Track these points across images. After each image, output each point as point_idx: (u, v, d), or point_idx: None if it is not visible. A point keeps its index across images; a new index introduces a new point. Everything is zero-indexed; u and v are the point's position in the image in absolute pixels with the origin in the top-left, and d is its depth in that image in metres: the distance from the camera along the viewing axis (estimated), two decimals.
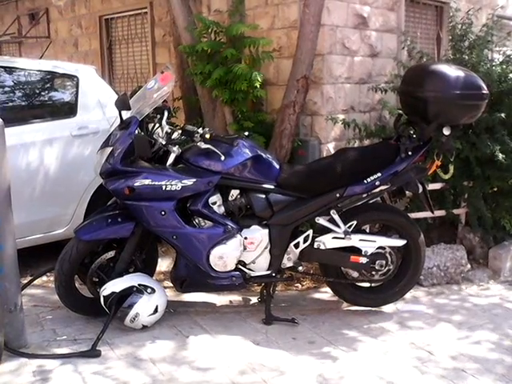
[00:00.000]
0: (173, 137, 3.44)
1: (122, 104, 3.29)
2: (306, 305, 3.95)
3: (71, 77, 4.46)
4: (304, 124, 5.43)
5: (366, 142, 5.52)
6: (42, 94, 4.45)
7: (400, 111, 5.09)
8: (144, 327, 3.43)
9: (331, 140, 5.50)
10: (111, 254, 3.52)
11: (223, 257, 3.40)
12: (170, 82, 3.43)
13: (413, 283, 3.83)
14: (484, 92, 3.41)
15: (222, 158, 3.34)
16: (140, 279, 3.46)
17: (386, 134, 5.08)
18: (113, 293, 3.34)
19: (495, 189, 4.71)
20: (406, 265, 3.75)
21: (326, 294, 4.13)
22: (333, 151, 5.50)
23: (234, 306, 3.89)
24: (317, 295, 4.13)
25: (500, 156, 4.35)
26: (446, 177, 3.74)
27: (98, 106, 4.55)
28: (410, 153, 3.52)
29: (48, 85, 4.47)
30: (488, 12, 6.49)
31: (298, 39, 4.86)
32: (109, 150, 3.36)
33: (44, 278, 4.29)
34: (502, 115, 4.42)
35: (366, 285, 3.81)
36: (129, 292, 3.37)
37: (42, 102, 4.45)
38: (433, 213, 3.74)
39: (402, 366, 3.14)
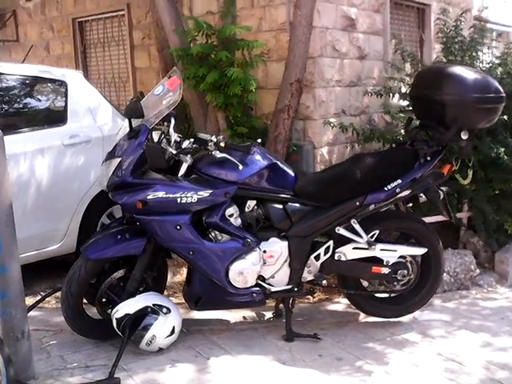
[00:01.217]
0: (183, 145, 3.21)
1: (134, 111, 3.04)
2: (323, 318, 3.79)
3: (59, 82, 4.17)
4: (296, 129, 5.26)
5: (366, 146, 5.45)
6: (30, 101, 4.14)
7: (401, 115, 5.07)
8: (160, 350, 3.21)
9: (324, 144, 5.37)
10: (121, 272, 3.27)
11: (243, 272, 3.19)
12: (178, 86, 3.21)
13: (433, 292, 3.71)
14: (502, 95, 3.33)
15: (240, 167, 3.13)
16: (154, 299, 3.22)
17: (384, 137, 4.99)
18: (126, 315, 3.10)
19: (497, 192, 4.66)
20: (426, 273, 3.62)
21: (339, 305, 3.99)
22: (327, 156, 5.39)
23: (248, 323, 3.68)
24: (331, 307, 3.96)
25: (505, 157, 4.29)
26: (465, 182, 3.66)
27: (88, 112, 4.27)
28: (428, 158, 3.40)
29: (35, 91, 4.16)
30: (469, 15, 6.51)
31: (290, 42, 4.71)
32: (117, 161, 3.11)
33: (38, 297, 3.99)
34: (505, 117, 4.37)
35: (385, 295, 3.67)
36: (143, 313, 3.13)
37: (31, 110, 4.14)
38: (452, 219, 3.63)
39: (437, 379, 3.02)
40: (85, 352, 3.23)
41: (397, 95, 5.26)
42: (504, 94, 3.33)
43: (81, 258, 3.18)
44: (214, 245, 3.17)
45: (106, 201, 4.21)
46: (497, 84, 3.33)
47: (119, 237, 3.18)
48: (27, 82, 4.12)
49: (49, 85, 4.19)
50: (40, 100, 4.17)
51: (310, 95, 5.15)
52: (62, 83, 4.18)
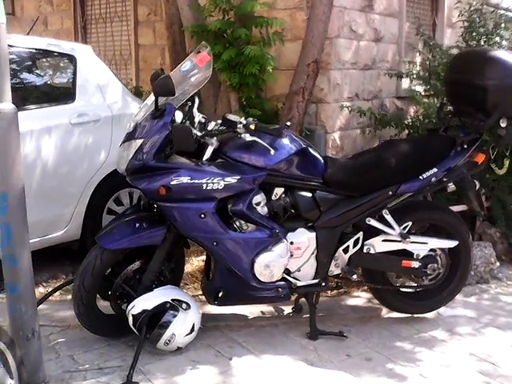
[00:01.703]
0: (209, 127, 2.97)
1: (164, 89, 2.77)
2: (345, 313, 3.59)
3: (68, 57, 3.87)
4: (308, 112, 5.04)
5: (381, 132, 5.26)
6: (38, 76, 3.84)
7: (425, 100, 4.84)
8: (178, 349, 2.98)
9: (337, 129, 5.16)
10: (137, 264, 3.03)
11: (270, 265, 2.97)
12: (208, 63, 2.96)
13: (461, 287, 3.54)
14: None
15: (272, 151, 2.90)
16: (173, 293, 2.99)
17: (402, 123, 4.80)
18: (144, 311, 2.86)
19: None
20: (455, 267, 3.44)
21: (359, 299, 3.80)
22: (338, 141, 5.18)
23: (267, 318, 3.47)
24: (351, 301, 3.77)
25: None
26: (501, 172, 3.46)
27: (98, 90, 3.99)
28: (465, 146, 3.21)
29: (43, 66, 3.85)
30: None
31: (309, 20, 4.49)
32: (138, 143, 2.85)
33: (41, 289, 3.75)
34: None
35: (410, 290, 3.48)
36: (162, 309, 2.90)
37: (38, 86, 3.84)
38: (484, 212, 3.45)
39: (472, 381, 2.86)
40: (96, 351, 3.01)
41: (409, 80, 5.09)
42: None
43: (95, 248, 2.93)
44: (239, 235, 2.94)
45: (113, 184, 4.07)
46: None
47: (137, 225, 2.94)
48: (36, 55, 3.82)
49: (57, 59, 3.90)
50: (48, 75, 3.87)
51: (324, 77, 4.91)
52: (72, 58, 3.88)
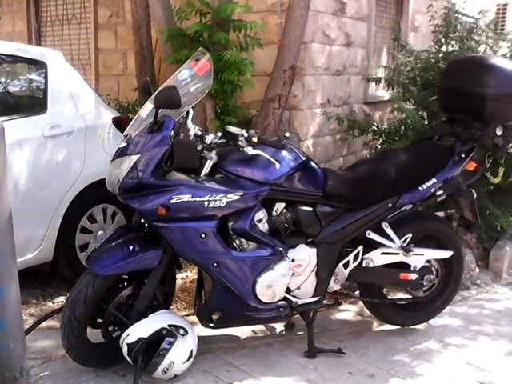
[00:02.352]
0: (208, 141, 2.80)
1: (168, 100, 2.57)
2: (338, 329, 3.50)
3: (38, 63, 3.58)
4: (282, 119, 4.94)
5: (354, 140, 5.23)
6: (6, 85, 3.53)
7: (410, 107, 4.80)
8: (175, 377, 2.81)
9: (310, 136, 5.09)
10: (130, 289, 2.83)
11: (272, 285, 2.84)
12: (208, 71, 2.79)
13: (453, 296, 3.53)
14: None
15: (276, 165, 2.77)
16: (169, 318, 2.82)
17: (381, 130, 4.78)
18: (140, 339, 2.67)
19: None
20: (448, 277, 3.42)
21: (348, 312, 3.73)
22: (311, 149, 5.10)
23: (260, 338, 3.34)
24: (340, 315, 3.68)
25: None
26: (496, 180, 3.46)
27: (70, 99, 3.73)
28: (463, 155, 3.18)
29: (12, 73, 3.56)
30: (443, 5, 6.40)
31: (286, 24, 4.37)
32: (133, 159, 2.66)
33: None
34: None
35: (405, 302, 3.44)
36: (158, 336, 2.72)
37: (7, 95, 3.54)
38: (477, 220, 3.44)
39: None
40: None
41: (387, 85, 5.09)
42: None
43: (86, 274, 2.71)
44: (242, 254, 2.80)
45: (87, 200, 3.83)
46: None
47: (131, 248, 2.74)
48: (2, 62, 3.51)
49: (26, 66, 3.60)
50: (17, 84, 3.58)
51: (299, 83, 4.82)
52: (42, 64, 3.59)
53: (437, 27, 5.05)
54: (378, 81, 5.15)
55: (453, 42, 4.84)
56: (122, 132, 4.16)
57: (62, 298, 3.78)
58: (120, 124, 4.21)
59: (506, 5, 11.53)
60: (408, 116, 4.25)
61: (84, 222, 3.87)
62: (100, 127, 3.99)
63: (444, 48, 4.90)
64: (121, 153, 2.74)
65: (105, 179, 3.83)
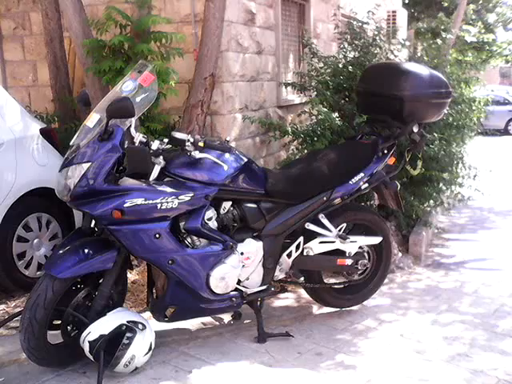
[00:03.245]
0: (154, 147, 2.93)
1: (122, 111, 2.71)
2: (281, 315, 3.75)
3: None
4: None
5: (275, 142, 5.49)
6: None
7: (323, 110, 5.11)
8: (135, 369, 2.93)
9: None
10: (86, 290, 2.93)
11: (225, 277, 3.04)
12: (152, 82, 2.93)
13: (384, 278, 3.86)
14: (451, 90, 3.56)
15: (225, 167, 2.97)
16: (126, 315, 2.95)
17: (300, 132, 5.07)
18: (101, 336, 2.78)
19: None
20: (379, 261, 3.75)
21: (287, 299, 3.99)
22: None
23: (210, 329, 3.52)
24: (281, 302, 3.93)
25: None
26: (415, 172, 3.82)
27: None
28: (385, 151, 3.52)
29: None
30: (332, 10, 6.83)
31: (203, 35, 4.54)
32: (85, 166, 2.75)
33: None
34: None
35: (342, 286, 3.73)
36: (118, 332, 2.83)
37: None
38: (402, 209, 3.79)
39: (412, 359, 3.18)
40: None
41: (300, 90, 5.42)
42: (452, 90, 3.55)
43: (44, 278, 2.77)
44: (195, 251, 2.97)
45: (21, 210, 3.86)
46: (446, 80, 3.54)
47: (86, 251, 2.83)
48: None
49: None
50: None
51: (218, 90, 5.03)
52: None
53: (342, 35, 5.44)
54: (293, 86, 5.44)
55: (358, 49, 5.23)
56: (50, 143, 4.25)
57: (2, 307, 3.76)
58: (47, 135, 4.26)
59: (395, 11, 12.33)
60: (325, 118, 4.57)
61: (20, 231, 3.89)
62: (29, 138, 4.02)
63: (351, 54, 5.30)
64: (69, 162, 2.82)
65: (38, 189, 3.95)
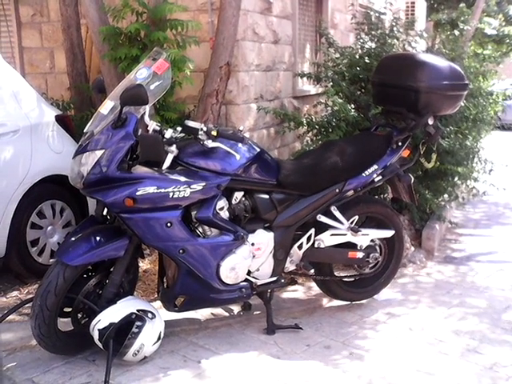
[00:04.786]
0: (167, 135, 2.93)
1: (135, 98, 2.70)
2: (291, 307, 3.74)
3: None
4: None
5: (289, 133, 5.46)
6: None
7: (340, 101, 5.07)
8: (144, 358, 2.95)
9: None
10: (98, 278, 2.95)
11: (235, 268, 3.04)
12: (166, 70, 2.92)
13: (395, 272, 3.84)
14: (467, 82, 3.50)
15: (237, 157, 2.96)
16: (136, 303, 2.96)
17: (312, 123, 5.04)
18: (111, 324, 2.80)
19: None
20: (390, 255, 3.73)
21: (297, 292, 3.98)
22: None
23: (220, 319, 3.52)
24: (291, 295, 3.92)
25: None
26: (430, 165, 3.79)
27: (13, 98, 3.75)
28: (400, 144, 3.48)
29: None
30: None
31: (219, 23, 4.52)
32: (98, 154, 2.76)
33: None
34: None
35: (353, 279, 3.71)
36: (128, 320, 2.85)
37: None
38: (415, 203, 3.76)
39: (424, 353, 3.16)
40: (57, 370, 2.88)
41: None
42: (468, 82, 3.50)
43: (55, 265, 2.80)
44: (206, 241, 2.97)
45: (36, 197, 3.89)
46: (463, 72, 3.49)
47: (98, 238, 2.85)
48: None
49: None
50: None
51: (233, 79, 4.99)
52: None
53: (359, 25, 5.38)
54: (308, 76, 5.40)
55: (375, 39, 5.18)
56: (66, 130, 4.26)
57: (15, 293, 3.81)
58: (63, 122, 4.27)
59: (413, 2, 12.19)
60: (341, 109, 4.53)
61: (34, 218, 3.91)
62: (44, 125, 4.03)
63: (367, 45, 5.25)
64: (83, 149, 2.83)
65: (52, 176, 3.97)
